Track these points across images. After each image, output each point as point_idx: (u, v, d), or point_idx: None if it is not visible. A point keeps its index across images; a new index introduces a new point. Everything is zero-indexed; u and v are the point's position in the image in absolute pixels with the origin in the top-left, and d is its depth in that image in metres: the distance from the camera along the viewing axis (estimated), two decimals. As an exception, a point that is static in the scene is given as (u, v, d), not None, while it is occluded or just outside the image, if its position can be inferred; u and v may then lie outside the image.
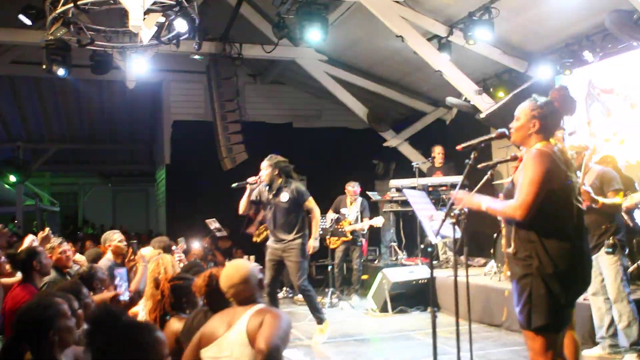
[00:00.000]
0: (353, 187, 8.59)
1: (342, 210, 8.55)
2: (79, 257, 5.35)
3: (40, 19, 7.74)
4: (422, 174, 8.91)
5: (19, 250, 4.35)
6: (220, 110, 10.37)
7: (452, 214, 3.37)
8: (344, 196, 8.70)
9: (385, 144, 11.13)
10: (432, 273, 3.89)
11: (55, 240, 4.72)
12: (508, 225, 3.15)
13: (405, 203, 8.30)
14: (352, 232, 8.41)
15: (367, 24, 8.63)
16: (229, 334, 2.63)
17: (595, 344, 4.91)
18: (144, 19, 6.26)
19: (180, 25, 6.93)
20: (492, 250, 7.03)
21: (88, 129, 15.86)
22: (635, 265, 5.61)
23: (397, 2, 7.82)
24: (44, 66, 7.88)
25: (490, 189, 8.76)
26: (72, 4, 6.34)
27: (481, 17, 7.37)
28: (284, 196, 5.80)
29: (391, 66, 10.08)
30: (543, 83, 7.75)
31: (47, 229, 5.00)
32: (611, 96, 7.12)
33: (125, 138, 16.68)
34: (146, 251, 4.59)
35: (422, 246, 8.35)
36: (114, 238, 5.42)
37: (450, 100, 8.91)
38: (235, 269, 2.79)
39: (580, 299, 3.39)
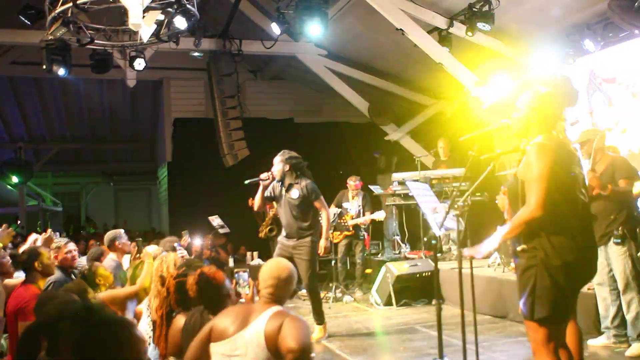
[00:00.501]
0: (355, 182, 8.59)
1: (344, 205, 8.56)
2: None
3: (40, 19, 7.73)
4: (424, 167, 8.91)
5: (20, 251, 4.37)
6: (221, 106, 10.36)
7: (455, 206, 3.37)
8: (345, 190, 8.71)
9: (386, 138, 11.12)
10: (436, 265, 3.89)
11: (60, 240, 4.73)
12: (513, 217, 3.14)
13: (407, 196, 8.32)
14: (355, 227, 8.42)
15: (367, 18, 8.60)
16: (244, 332, 2.59)
17: (600, 333, 4.92)
18: (144, 17, 6.25)
19: (180, 22, 6.92)
20: (495, 242, 7.02)
21: (89, 128, 15.87)
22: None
23: (396, -5, 7.80)
24: (44, 66, 7.87)
25: (493, 180, 8.77)
26: (71, 3, 6.34)
27: (481, 8, 7.34)
28: (294, 193, 5.74)
29: (392, 60, 10.05)
30: (544, 74, 7.72)
31: (49, 230, 5.01)
32: (613, 85, 7.09)
33: (126, 136, 16.69)
34: (151, 249, 4.61)
35: (425, 239, 8.35)
36: (119, 237, 5.45)
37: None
38: (284, 266, 2.79)
39: (584, 289, 3.40)
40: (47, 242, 4.70)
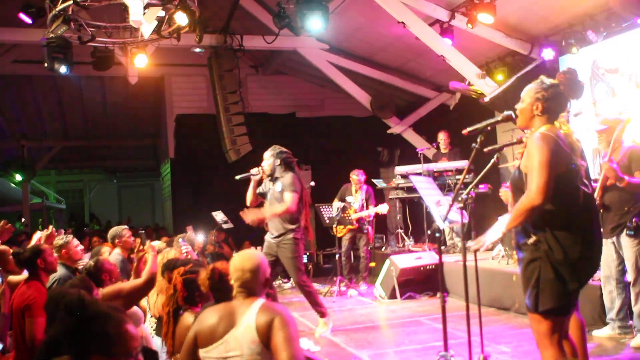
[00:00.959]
0: (357, 176, 8.59)
1: (348, 199, 8.56)
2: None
3: (41, 17, 7.74)
4: (427, 160, 8.90)
5: (23, 249, 4.38)
6: (223, 102, 10.35)
7: (459, 199, 3.37)
8: (349, 184, 8.71)
9: (389, 131, 11.11)
10: (440, 258, 3.89)
11: (65, 237, 4.74)
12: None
13: (410, 189, 8.31)
14: (358, 220, 8.42)
15: (368, 11, 8.58)
16: (235, 331, 2.54)
17: (604, 324, 4.92)
18: (144, 13, 6.25)
19: (181, 18, 6.92)
20: (499, 234, 7.03)
21: (91, 125, 15.89)
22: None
23: (397, -13, 7.77)
24: (46, 64, 7.87)
25: (496, 173, 8.77)
26: (71, 1, 6.34)
27: (483, -1, 7.31)
28: (278, 186, 5.71)
29: (393, 53, 10.03)
30: (547, 65, 7.70)
31: (50, 227, 5.03)
32: (616, 76, 7.06)
33: (129, 133, 16.71)
34: (155, 244, 4.63)
35: (428, 232, 8.36)
36: (123, 234, 5.47)
37: (454, 85, 8.87)
38: (248, 256, 2.75)
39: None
40: (49, 239, 4.72)
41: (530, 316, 3.02)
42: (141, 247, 4.61)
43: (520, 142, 3.43)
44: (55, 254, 4.37)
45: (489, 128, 3.36)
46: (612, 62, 7.10)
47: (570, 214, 2.94)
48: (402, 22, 7.92)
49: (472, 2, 7.39)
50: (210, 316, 2.65)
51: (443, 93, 10.77)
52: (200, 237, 7.79)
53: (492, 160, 3.70)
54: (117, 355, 1.83)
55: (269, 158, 5.80)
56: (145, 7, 6.28)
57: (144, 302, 4.50)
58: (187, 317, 3.24)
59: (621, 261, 4.70)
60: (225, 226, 9.39)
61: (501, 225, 3.11)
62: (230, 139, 10.33)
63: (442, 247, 8.02)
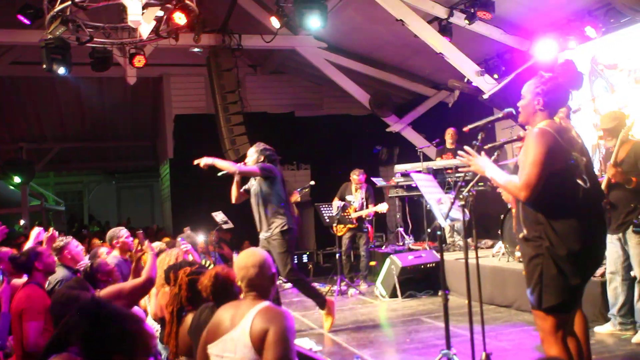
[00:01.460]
0: (358, 175, 8.58)
1: (348, 198, 8.56)
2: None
3: (39, 18, 7.72)
4: (426, 158, 8.88)
5: (23, 249, 4.35)
6: (222, 102, 10.34)
7: (461, 196, 3.36)
8: (349, 183, 8.70)
9: (388, 130, 11.10)
10: (442, 256, 3.89)
11: (65, 239, 4.72)
12: (517, 207, 3.13)
13: (410, 188, 8.30)
14: (358, 219, 8.42)
15: (366, 9, 8.57)
16: (233, 332, 2.52)
17: (606, 320, 4.92)
18: (143, 13, 6.24)
19: (179, 18, 6.90)
20: (499, 232, 7.02)
21: (90, 126, 15.85)
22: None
23: (395, -15, 7.76)
24: (44, 65, 7.85)
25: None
26: (69, 2, 6.33)
27: (481, -4, 7.30)
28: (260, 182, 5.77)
29: (392, 51, 10.02)
30: (546, 61, 7.69)
31: (51, 229, 5.01)
32: (615, 72, 7.06)
33: (127, 134, 16.67)
34: (155, 245, 4.62)
35: (429, 230, 8.35)
36: (121, 235, 5.44)
37: (453, 82, 8.85)
38: (250, 253, 2.73)
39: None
40: (50, 241, 4.70)
41: (535, 313, 3.01)
42: (139, 248, 4.60)
43: (519, 139, 3.42)
44: (56, 256, 4.36)
45: (489, 125, 3.35)
46: (611, 57, 7.10)
47: (570, 209, 2.93)
48: (401, 20, 7.91)
49: (471, -1, 7.39)
50: (224, 312, 2.64)
51: (442, 91, 10.77)
52: (200, 237, 7.77)
53: (493, 157, 3.69)
54: (138, 354, 1.82)
55: (253, 154, 5.87)
56: (143, 7, 6.27)
57: (144, 302, 4.49)
58: (191, 319, 3.23)
59: (627, 258, 4.70)
60: (225, 226, 9.37)
61: (491, 169, 3.10)
62: (229, 138, 10.32)
63: (443, 245, 8.03)
